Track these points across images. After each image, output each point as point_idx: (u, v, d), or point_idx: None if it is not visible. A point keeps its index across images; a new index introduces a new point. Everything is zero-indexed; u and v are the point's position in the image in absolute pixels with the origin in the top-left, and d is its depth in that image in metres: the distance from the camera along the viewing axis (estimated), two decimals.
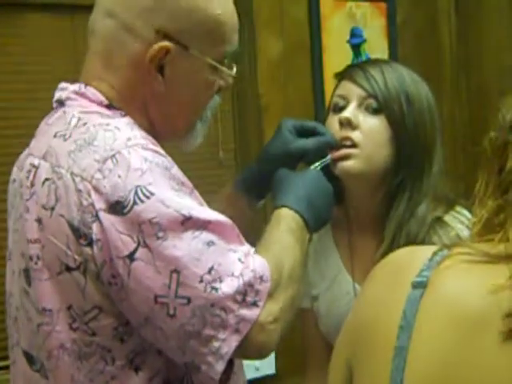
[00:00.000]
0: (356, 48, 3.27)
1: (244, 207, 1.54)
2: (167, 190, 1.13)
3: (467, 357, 0.79)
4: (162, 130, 1.27)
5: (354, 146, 1.50)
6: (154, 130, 1.25)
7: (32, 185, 1.21)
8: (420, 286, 0.84)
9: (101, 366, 1.17)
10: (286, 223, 1.31)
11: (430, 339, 0.81)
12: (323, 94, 3.18)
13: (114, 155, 1.13)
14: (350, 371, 0.91)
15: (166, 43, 1.23)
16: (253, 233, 1.34)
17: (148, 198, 1.11)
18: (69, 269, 1.14)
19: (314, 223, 1.37)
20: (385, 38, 3.35)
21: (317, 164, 1.49)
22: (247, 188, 1.54)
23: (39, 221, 1.18)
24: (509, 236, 0.83)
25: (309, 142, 1.50)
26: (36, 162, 1.22)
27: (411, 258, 0.90)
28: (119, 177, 1.12)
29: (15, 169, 1.36)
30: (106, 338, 1.16)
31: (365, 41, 3.29)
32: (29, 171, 1.23)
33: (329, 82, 3.19)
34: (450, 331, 0.80)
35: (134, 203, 1.11)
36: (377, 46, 3.32)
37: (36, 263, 1.18)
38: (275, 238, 1.28)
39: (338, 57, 3.22)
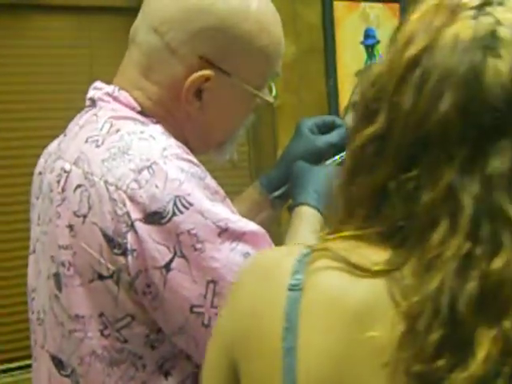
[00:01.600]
0: (369, 49, 3.28)
1: (268, 208, 1.55)
2: (204, 201, 1.13)
3: (356, 351, 0.78)
4: (195, 146, 1.27)
5: None
6: (187, 145, 1.25)
7: (63, 190, 1.20)
8: (296, 288, 0.82)
9: (131, 373, 1.17)
10: (310, 223, 1.33)
11: (319, 337, 0.80)
12: (337, 95, 3.19)
13: (150, 165, 1.13)
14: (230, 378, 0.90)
15: (207, 72, 1.23)
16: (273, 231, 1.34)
17: (187, 208, 1.11)
18: (101, 277, 1.14)
19: None
20: None
21: (335, 158, 1.48)
22: (271, 189, 1.54)
23: (71, 227, 1.17)
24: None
25: (334, 136, 1.51)
26: (67, 166, 1.22)
27: (278, 261, 0.88)
28: (157, 187, 1.11)
29: (42, 161, 1.36)
30: (138, 346, 1.16)
31: (378, 42, 3.30)
32: (59, 175, 1.23)
33: (342, 84, 3.20)
34: (335, 328, 0.79)
35: (174, 214, 1.10)
36: None
37: (68, 269, 1.18)
38: (302, 239, 1.28)
39: (351, 58, 3.23)
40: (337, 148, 1.49)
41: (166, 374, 1.18)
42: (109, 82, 1.31)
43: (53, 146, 1.37)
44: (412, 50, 0.80)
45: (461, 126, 0.77)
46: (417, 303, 0.75)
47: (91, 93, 1.30)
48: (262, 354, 0.83)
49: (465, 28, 0.79)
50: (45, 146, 1.42)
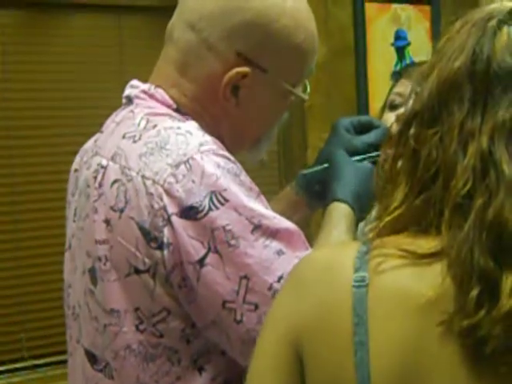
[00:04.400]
0: (400, 50, 3.27)
1: (304, 208, 1.54)
2: (239, 197, 1.13)
3: (426, 340, 0.83)
4: (230, 144, 1.28)
5: None
6: (222, 143, 1.25)
7: (100, 185, 1.21)
8: (362, 285, 0.86)
9: (167, 367, 1.17)
10: (345, 222, 1.33)
11: (389, 331, 0.84)
12: (367, 96, 3.19)
13: (187, 160, 1.13)
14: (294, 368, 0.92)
15: (244, 69, 1.24)
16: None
17: (222, 204, 1.12)
18: (138, 271, 1.15)
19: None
20: (429, 41, 3.33)
21: (364, 156, 1.46)
22: (308, 189, 1.52)
23: (107, 222, 1.18)
24: (442, 231, 0.86)
25: (371, 136, 1.49)
26: (104, 162, 1.23)
27: (338, 259, 0.91)
28: (193, 182, 1.12)
29: (78, 159, 1.37)
30: (173, 340, 1.17)
31: (409, 43, 3.29)
32: (96, 171, 1.24)
33: (373, 85, 3.19)
34: (404, 320, 0.84)
35: (210, 209, 1.11)
36: (421, 49, 3.31)
37: (105, 264, 1.19)
38: (338, 240, 1.29)
39: (382, 60, 3.22)
40: (374, 148, 1.48)
41: (200, 370, 1.18)
42: (139, 81, 1.32)
43: (89, 143, 1.38)
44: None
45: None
46: (469, 274, 0.81)
47: (128, 91, 1.31)
48: (333, 349, 0.86)
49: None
50: (76, 144, 1.43)
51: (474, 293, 0.80)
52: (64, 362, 1.45)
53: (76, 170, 1.36)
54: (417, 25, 3.31)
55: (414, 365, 0.83)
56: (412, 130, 0.89)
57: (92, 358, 1.24)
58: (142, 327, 1.17)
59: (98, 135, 1.35)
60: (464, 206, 0.84)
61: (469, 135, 0.85)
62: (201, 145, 1.16)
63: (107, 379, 1.22)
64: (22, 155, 2.83)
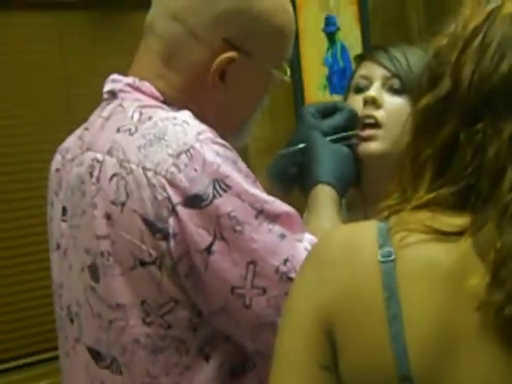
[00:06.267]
0: (331, 36, 3.31)
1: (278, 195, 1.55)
2: (241, 184, 1.14)
3: (456, 315, 0.85)
4: (217, 130, 1.27)
5: (377, 125, 1.51)
6: None
7: (98, 180, 1.20)
8: (389, 260, 0.88)
9: (175, 358, 1.17)
10: (332, 204, 1.37)
11: (420, 302, 0.86)
12: (301, 83, 3.21)
13: (187, 150, 1.14)
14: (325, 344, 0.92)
15: (232, 53, 1.25)
16: None
17: (225, 191, 1.13)
18: (143, 264, 1.14)
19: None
20: (357, 25, 3.38)
21: (335, 137, 1.49)
22: (284, 172, 1.53)
23: (108, 217, 1.17)
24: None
25: (337, 118, 1.51)
26: (100, 157, 1.21)
27: (359, 235, 0.93)
28: (196, 171, 1.12)
29: (59, 158, 1.36)
30: (181, 330, 1.17)
31: (339, 28, 3.33)
32: (92, 166, 1.22)
33: (306, 72, 3.23)
34: (434, 291, 0.85)
35: (214, 197, 1.12)
36: (350, 34, 3.36)
37: (107, 259, 1.18)
38: (330, 223, 1.32)
39: (314, 46, 3.26)
40: (341, 130, 1.51)
41: (207, 358, 1.18)
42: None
43: (69, 141, 1.36)
44: (474, 23, 0.90)
45: None
46: (499, 251, 0.83)
47: (109, 86, 1.30)
48: (366, 325, 0.87)
49: None
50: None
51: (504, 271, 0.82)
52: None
53: (58, 170, 1.34)
54: (345, 10, 3.35)
55: (448, 335, 0.85)
56: (448, 125, 0.89)
57: (97, 355, 1.23)
58: (148, 320, 1.17)
59: (80, 132, 1.33)
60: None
61: None
62: (199, 134, 1.17)
63: (115, 375, 1.21)
64: None
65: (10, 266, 2.81)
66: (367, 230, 0.92)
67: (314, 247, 0.99)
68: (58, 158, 1.37)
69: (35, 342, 2.83)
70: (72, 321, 1.28)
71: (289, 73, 1.37)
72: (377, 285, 0.87)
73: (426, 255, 0.87)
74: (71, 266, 1.27)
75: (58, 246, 1.31)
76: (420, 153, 0.91)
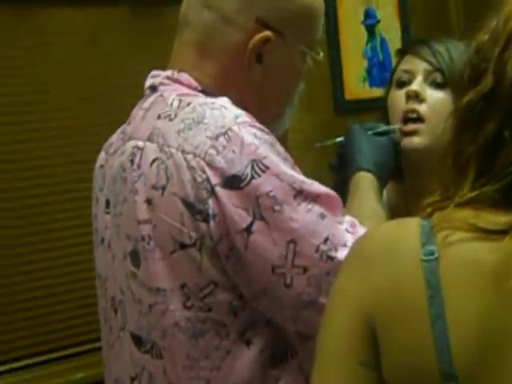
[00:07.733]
0: (370, 28, 3.29)
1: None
2: (279, 164, 1.15)
3: (500, 315, 0.83)
4: (255, 116, 1.28)
5: (420, 119, 1.51)
6: None
7: (139, 167, 1.22)
8: (432, 258, 0.87)
9: (216, 342, 1.18)
10: (373, 190, 1.39)
11: (464, 301, 0.85)
12: (341, 75, 3.20)
13: (225, 132, 1.15)
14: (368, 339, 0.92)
15: (267, 33, 1.27)
16: None
17: (263, 171, 1.14)
18: (183, 246, 1.16)
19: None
20: (397, 18, 3.36)
21: (373, 131, 1.51)
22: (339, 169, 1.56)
23: (149, 201, 1.19)
24: None
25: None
26: (141, 144, 1.23)
27: (402, 233, 0.92)
28: (234, 152, 1.14)
29: (103, 154, 1.38)
30: (221, 313, 1.17)
31: (379, 21, 3.30)
32: (132, 154, 1.24)
33: (346, 64, 3.21)
34: (478, 290, 0.84)
35: (252, 177, 1.13)
36: (389, 27, 3.34)
37: (148, 243, 1.19)
38: (371, 208, 1.35)
39: (353, 39, 3.24)
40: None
41: (248, 343, 1.19)
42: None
43: (113, 137, 1.38)
44: None
45: None
46: None
47: (150, 81, 1.33)
48: (409, 323, 0.87)
49: None
50: None
51: None
52: None
53: (102, 166, 1.36)
54: (384, 2, 3.33)
55: (491, 334, 0.83)
56: (492, 122, 0.88)
57: (138, 340, 1.24)
58: (189, 304, 1.17)
59: (123, 127, 1.36)
60: None
61: None
62: (236, 117, 1.19)
63: (155, 360, 1.22)
64: None
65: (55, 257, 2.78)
66: (410, 228, 0.91)
67: (358, 243, 0.99)
68: (102, 154, 1.39)
69: (75, 334, 2.82)
70: (116, 311, 1.29)
71: (321, 53, 1.38)
72: (419, 283, 0.86)
73: (470, 254, 0.86)
74: (114, 256, 1.29)
75: (103, 240, 1.33)
76: (463, 150, 0.90)
